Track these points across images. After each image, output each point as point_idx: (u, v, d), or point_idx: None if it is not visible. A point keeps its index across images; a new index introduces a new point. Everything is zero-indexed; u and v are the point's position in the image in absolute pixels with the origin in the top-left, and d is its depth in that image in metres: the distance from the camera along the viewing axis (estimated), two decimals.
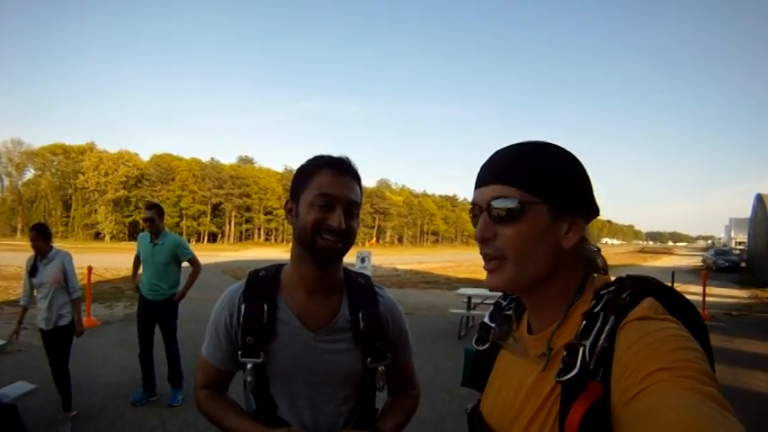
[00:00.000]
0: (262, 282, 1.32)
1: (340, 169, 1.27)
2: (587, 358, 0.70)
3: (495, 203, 0.79)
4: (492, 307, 1.02)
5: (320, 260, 1.26)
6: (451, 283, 18.58)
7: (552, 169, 0.79)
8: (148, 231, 4.84)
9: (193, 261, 5.08)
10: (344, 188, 1.24)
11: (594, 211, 0.82)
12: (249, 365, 1.25)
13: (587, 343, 0.71)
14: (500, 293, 1.00)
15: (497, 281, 0.81)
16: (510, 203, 0.78)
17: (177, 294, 4.91)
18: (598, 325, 0.72)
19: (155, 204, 4.95)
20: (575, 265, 0.82)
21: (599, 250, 0.86)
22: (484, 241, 0.81)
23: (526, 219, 0.77)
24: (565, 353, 0.73)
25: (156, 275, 4.81)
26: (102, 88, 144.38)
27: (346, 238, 1.24)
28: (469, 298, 8.70)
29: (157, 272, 4.81)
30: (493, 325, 0.95)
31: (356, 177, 1.30)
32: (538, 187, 0.77)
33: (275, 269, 1.37)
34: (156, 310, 4.86)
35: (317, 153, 1.32)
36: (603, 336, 0.70)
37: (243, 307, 1.28)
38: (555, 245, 0.79)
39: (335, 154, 1.31)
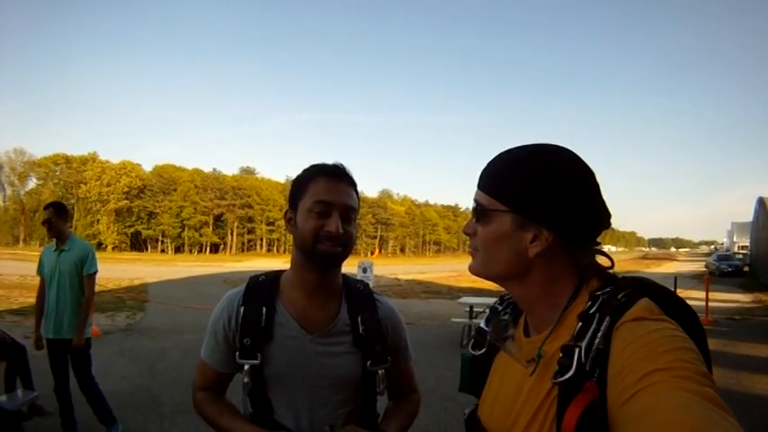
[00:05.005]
0: (261, 286, 1.35)
1: (335, 176, 1.30)
2: (583, 359, 0.70)
3: (474, 206, 0.88)
4: (488, 311, 1.03)
5: (321, 265, 1.28)
6: (454, 293, 18.56)
7: (522, 181, 0.81)
8: (50, 236, 4.07)
9: (91, 281, 4.10)
10: (340, 194, 1.27)
11: (577, 226, 0.80)
12: (246, 367, 1.27)
13: (583, 344, 0.71)
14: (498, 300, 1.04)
15: (471, 265, 0.90)
16: (480, 207, 0.86)
17: (75, 338, 3.93)
18: (593, 326, 0.72)
19: (51, 203, 4.11)
20: (560, 270, 0.82)
21: (606, 255, 0.86)
22: (468, 235, 0.90)
23: (492, 223, 0.84)
24: (561, 354, 0.73)
25: (64, 294, 3.97)
26: (104, 98, 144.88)
27: (345, 243, 1.27)
28: (471, 307, 8.67)
29: (65, 288, 3.98)
30: (488, 329, 0.96)
31: (352, 183, 1.33)
32: (504, 197, 0.83)
33: (275, 275, 1.40)
34: (66, 346, 3.98)
35: (316, 162, 1.35)
36: (599, 336, 0.70)
37: (242, 309, 1.30)
38: (518, 251, 0.82)
39: (333, 162, 1.34)
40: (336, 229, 1.23)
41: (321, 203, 1.25)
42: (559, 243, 0.80)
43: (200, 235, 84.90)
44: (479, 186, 0.88)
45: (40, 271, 4.18)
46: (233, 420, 1.29)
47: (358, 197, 1.34)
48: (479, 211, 0.86)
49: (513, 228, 0.81)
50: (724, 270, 30.92)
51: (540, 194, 0.79)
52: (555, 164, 0.82)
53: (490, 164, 0.88)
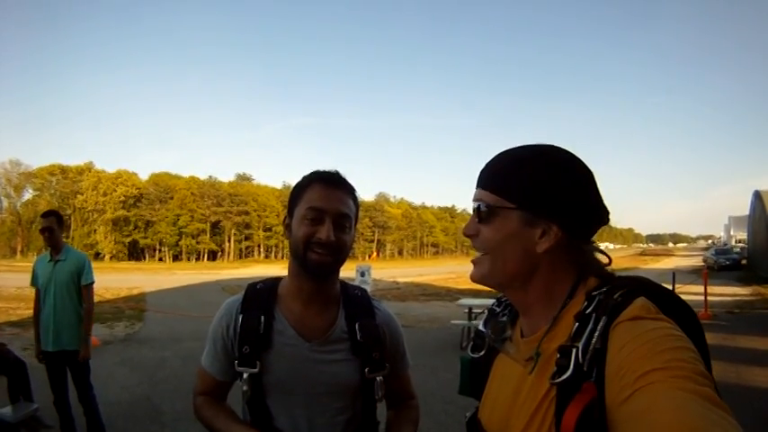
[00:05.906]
0: (259, 294, 1.34)
1: (330, 183, 1.29)
2: (580, 359, 0.70)
3: (476, 205, 0.86)
4: (486, 313, 1.02)
5: (312, 274, 1.28)
6: (453, 295, 18.53)
7: (528, 178, 0.81)
8: (47, 245, 3.97)
9: (90, 292, 4.04)
10: (334, 201, 1.26)
11: (580, 221, 0.82)
12: (245, 375, 1.26)
13: (580, 344, 0.71)
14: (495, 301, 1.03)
15: (474, 273, 0.88)
16: (485, 206, 0.85)
17: (83, 351, 3.90)
18: (590, 326, 0.72)
19: (52, 211, 4.10)
20: (561, 269, 0.83)
21: (604, 253, 0.86)
22: (469, 237, 0.89)
23: (498, 221, 0.83)
24: (558, 355, 0.73)
25: (62, 305, 3.87)
26: (99, 108, 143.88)
27: (336, 252, 1.26)
28: (470, 309, 8.68)
29: (62, 299, 3.87)
30: (487, 331, 0.95)
31: (349, 191, 1.32)
32: (510, 194, 0.82)
33: (273, 282, 1.39)
34: (66, 358, 3.90)
35: (315, 168, 1.34)
36: (596, 336, 0.70)
37: (240, 317, 1.30)
38: (527, 248, 0.82)
39: (331, 168, 1.34)
40: (327, 236, 1.22)
41: (314, 210, 1.25)
42: (565, 239, 0.81)
43: (198, 242, 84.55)
44: (481, 185, 0.87)
45: (34, 282, 4.06)
46: (229, 423, 1.29)
47: (356, 205, 1.34)
48: (484, 210, 0.85)
49: (521, 225, 0.81)
50: (722, 264, 31.16)
51: (547, 190, 0.80)
52: (557, 161, 0.83)
53: (492, 163, 0.88)
